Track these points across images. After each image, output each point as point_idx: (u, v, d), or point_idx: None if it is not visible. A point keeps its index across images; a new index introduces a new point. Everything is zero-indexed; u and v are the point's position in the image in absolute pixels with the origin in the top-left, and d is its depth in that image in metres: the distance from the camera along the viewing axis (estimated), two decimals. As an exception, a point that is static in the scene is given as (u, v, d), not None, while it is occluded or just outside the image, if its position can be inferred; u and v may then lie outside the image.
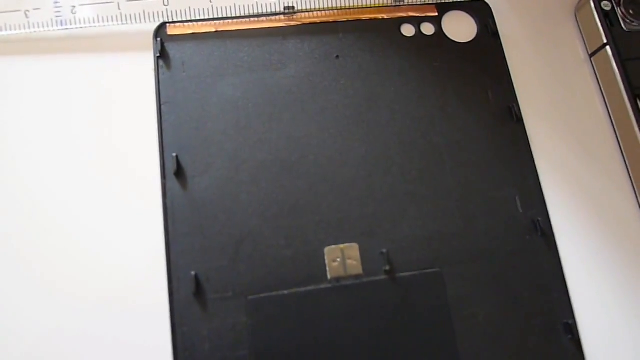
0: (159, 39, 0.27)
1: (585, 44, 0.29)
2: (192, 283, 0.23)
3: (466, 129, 0.27)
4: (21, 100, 0.26)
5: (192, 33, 0.27)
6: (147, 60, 0.27)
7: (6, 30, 0.27)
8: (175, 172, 0.25)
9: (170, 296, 0.23)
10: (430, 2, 0.29)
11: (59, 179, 0.25)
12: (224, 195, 0.25)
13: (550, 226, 0.26)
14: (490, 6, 0.29)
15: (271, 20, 0.28)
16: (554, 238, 0.25)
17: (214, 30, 0.27)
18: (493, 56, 0.28)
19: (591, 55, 0.29)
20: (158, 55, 0.27)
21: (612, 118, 0.28)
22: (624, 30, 0.28)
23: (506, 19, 0.29)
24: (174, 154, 0.25)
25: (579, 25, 0.30)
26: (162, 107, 0.26)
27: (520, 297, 0.24)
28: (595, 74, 0.29)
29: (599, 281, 0.25)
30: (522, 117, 0.27)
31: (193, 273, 0.23)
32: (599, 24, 0.28)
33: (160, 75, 0.26)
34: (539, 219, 0.25)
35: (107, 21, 0.27)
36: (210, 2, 0.27)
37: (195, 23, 0.27)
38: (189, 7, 0.27)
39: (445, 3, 0.29)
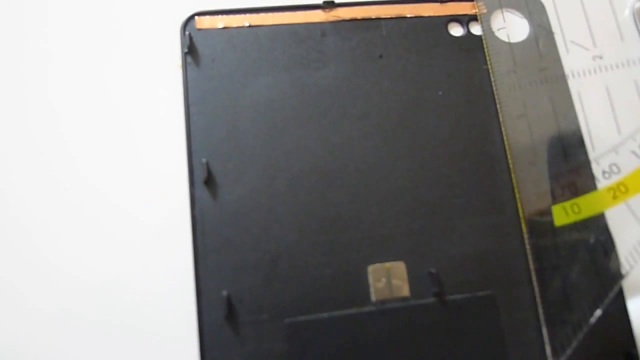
0: (187, 33, 0.24)
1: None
2: (223, 304, 0.21)
3: (519, 137, 0.25)
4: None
5: (224, 27, 0.25)
6: (173, 53, 0.25)
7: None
8: (204, 180, 0.22)
9: (200, 319, 0.21)
10: (479, -1, 0.27)
11: (74, 181, 0.23)
12: (258, 207, 0.22)
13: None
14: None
15: (308, 15, 0.25)
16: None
17: (247, 24, 0.25)
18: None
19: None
20: (186, 50, 0.24)
21: None
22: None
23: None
24: (204, 160, 0.23)
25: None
26: (191, 107, 0.23)
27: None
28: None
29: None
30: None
31: (225, 293, 0.21)
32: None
33: (188, 73, 0.24)
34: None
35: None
36: (241, -9, 0.25)
37: (226, 16, 0.25)
38: (218, -3, 0.25)
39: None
